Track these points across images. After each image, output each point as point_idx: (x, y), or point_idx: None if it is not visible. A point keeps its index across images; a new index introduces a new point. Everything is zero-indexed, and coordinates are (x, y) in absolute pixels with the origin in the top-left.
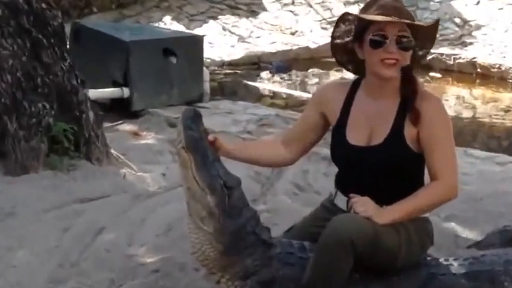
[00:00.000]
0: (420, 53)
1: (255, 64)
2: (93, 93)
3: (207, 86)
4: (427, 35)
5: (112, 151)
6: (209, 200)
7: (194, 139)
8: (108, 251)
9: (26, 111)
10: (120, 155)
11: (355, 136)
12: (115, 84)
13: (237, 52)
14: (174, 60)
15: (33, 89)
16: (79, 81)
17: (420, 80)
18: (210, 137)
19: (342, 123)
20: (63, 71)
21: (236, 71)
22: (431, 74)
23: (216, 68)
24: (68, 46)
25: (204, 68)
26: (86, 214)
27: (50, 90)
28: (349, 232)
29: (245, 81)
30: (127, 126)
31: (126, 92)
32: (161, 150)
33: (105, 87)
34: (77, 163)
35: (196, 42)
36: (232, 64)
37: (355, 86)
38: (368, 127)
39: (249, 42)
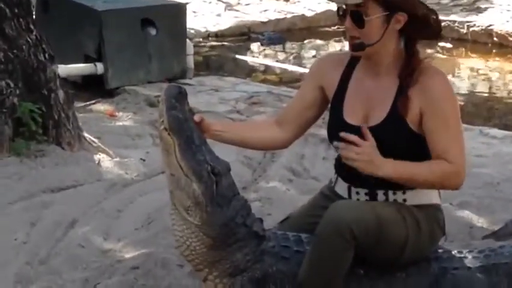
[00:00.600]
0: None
1: (244, 35)
2: (63, 69)
3: (190, 60)
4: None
5: (85, 134)
6: (195, 188)
7: (178, 120)
8: (82, 246)
9: None
10: (94, 139)
11: (353, 115)
12: (87, 59)
13: (224, 22)
14: (153, 31)
15: None
16: (47, 56)
17: (429, 51)
18: (196, 118)
19: (339, 99)
20: (29, 45)
21: (223, 43)
22: (442, 44)
23: (200, 39)
24: (34, 16)
25: (187, 40)
26: (56, 205)
27: (14, 66)
28: (348, 221)
29: (233, 55)
30: (101, 106)
31: (99, 67)
32: (140, 133)
33: (76, 63)
34: (45, 148)
35: (178, 11)
36: (218, 35)
37: (354, 59)
38: (366, 106)
39: (237, 10)
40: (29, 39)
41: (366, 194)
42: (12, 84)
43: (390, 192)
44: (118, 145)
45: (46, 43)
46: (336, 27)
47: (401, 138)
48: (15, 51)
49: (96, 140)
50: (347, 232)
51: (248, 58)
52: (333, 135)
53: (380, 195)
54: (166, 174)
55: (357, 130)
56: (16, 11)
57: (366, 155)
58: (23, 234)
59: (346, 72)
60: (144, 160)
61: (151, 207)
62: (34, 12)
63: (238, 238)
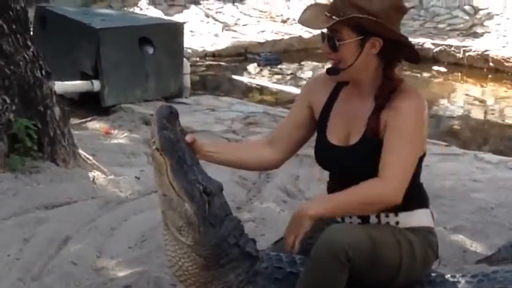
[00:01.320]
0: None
1: (241, 55)
2: (60, 86)
3: (187, 80)
4: (377, 24)
5: (80, 151)
6: (187, 208)
7: (170, 140)
8: (75, 263)
9: None
10: (89, 156)
11: (335, 135)
12: (84, 76)
13: (222, 42)
14: (150, 50)
15: None
16: (44, 72)
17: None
18: (188, 138)
19: (324, 119)
20: (26, 61)
21: (220, 62)
22: (438, 68)
23: (197, 59)
24: (31, 33)
25: (184, 60)
26: (49, 222)
27: (10, 82)
28: (343, 243)
29: (230, 75)
30: (97, 124)
31: (96, 85)
32: (135, 151)
33: (73, 80)
34: (40, 164)
35: (176, 30)
36: (215, 55)
37: (342, 81)
38: (348, 126)
39: (234, 31)
40: (26, 56)
41: (358, 217)
42: (8, 100)
43: (382, 215)
44: (113, 163)
45: (43, 59)
46: None
47: (375, 158)
48: (12, 67)
49: (91, 158)
50: (342, 255)
51: (244, 78)
52: (318, 155)
53: (372, 218)
54: (158, 194)
55: (338, 151)
56: (14, 27)
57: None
58: (16, 250)
59: (333, 93)
60: (138, 178)
61: (145, 225)
62: (31, 29)
63: (231, 258)
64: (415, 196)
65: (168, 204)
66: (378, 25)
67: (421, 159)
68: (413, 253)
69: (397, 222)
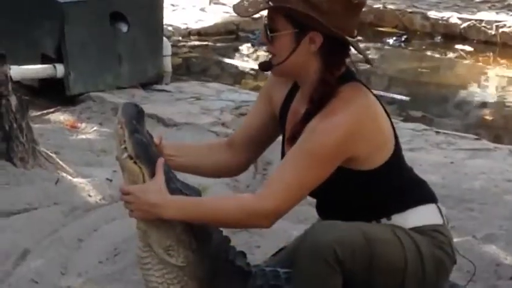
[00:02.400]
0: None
1: (232, 34)
2: (17, 71)
3: (168, 63)
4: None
5: (41, 149)
6: (176, 223)
7: (144, 145)
8: (35, 282)
9: None
10: (51, 154)
11: (287, 144)
12: (45, 59)
13: (209, 18)
14: (124, 28)
15: None
16: None
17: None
18: (156, 140)
19: (282, 119)
20: None
21: (207, 42)
22: (465, 47)
23: (180, 38)
24: None
25: (164, 39)
26: (5, 232)
27: None
28: (329, 241)
29: (219, 57)
30: (61, 116)
31: (59, 70)
32: (106, 149)
33: (32, 64)
34: None
35: (154, 4)
36: (201, 33)
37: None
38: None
39: (224, 4)
40: None
41: None
42: None
43: (373, 222)
44: (80, 162)
45: None
46: None
47: None
48: None
49: (54, 156)
50: (329, 255)
51: (236, 61)
52: None
53: None
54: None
55: None
56: None
57: (134, 204)
58: None
59: (289, 93)
60: (110, 180)
61: (118, 236)
62: None
63: (223, 277)
64: (408, 194)
65: (150, 222)
66: (309, 18)
67: (396, 156)
68: (419, 253)
69: None
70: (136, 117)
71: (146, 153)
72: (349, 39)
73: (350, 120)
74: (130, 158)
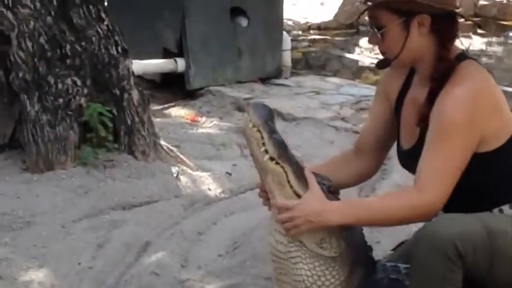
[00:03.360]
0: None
1: (352, 28)
2: (139, 65)
3: (287, 57)
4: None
5: (162, 142)
6: None
7: (284, 145)
8: (156, 274)
9: (51, 88)
10: (172, 148)
11: (406, 136)
12: (167, 54)
13: (328, 11)
14: (244, 22)
15: (60, 60)
16: (120, 49)
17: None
18: None
19: (397, 117)
20: (99, 36)
21: (327, 36)
22: None
23: (299, 32)
24: (106, 3)
25: (284, 33)
26: (126, 225)
27: (81, 61)
28: (451, 235)
29: (339, 51)
30: (181, 110)
31: (180, 64)
32: (226, 142)
33: (153, 58)
34: (116, 157)
35: None
36: (321, 28)
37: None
38: (411, 123)
39: None
40: (99, 30)
41: None
42: (79, 83)
43: (495, 210)
44: (200, 156)
45: (119, 34)
46: None
47: None
48: (83, 43)
49: (174, 149)
50: (450, 249)
51: (356, 56)
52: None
53: None
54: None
55: (405, 155)
56: None
57: (298, 218)
58: (88, 258)
59: (405, 83)
60: (230, 174)
61: (238, 229)
62: None
63: (362, 265)
64: None
65: None
66: (411, 3)
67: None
68: None
69: None
70: (270, 117)
71: (287, 153)
72: (455, 10)
73: (474, 91)
74: (271, 159)
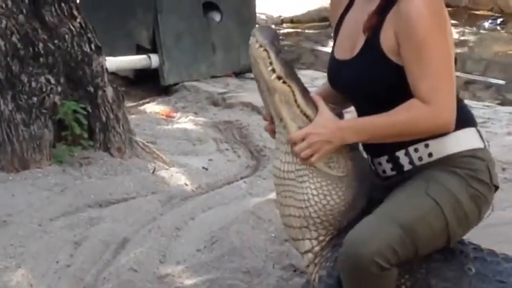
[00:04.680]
0: None
1: (325, 21)
2: (112, 62)
3: None
4: None
5: (137, 139)
6: None
7: (290, 65)
8: (134, 270)
9: (25, 87)
10: (147, 144)
11: (341, 48)
12: (140, 50)
13: (302, 5)
14: (217, 17)
15: (33, 58)
16: (93, 46)
17: None
18: None
19: (335, 34)
20: (72, 34)
21: (300, 30)
22: None
23: (273, 26)
24: (77, 0)
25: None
26: (104, 222)
27: (54, 59)
28: (370, 254)
29: (312, 45)
30: (156, 106)
31: (154, 60)
32: (201, 137)
33: (127, 55)
34: (91, 155)
35: None
36: (294, 21)
37: None
38: (354, 36)
39: None
40: (72, 28)
41: (387, 161)
42: (52, 80)
43: (411, 150)
44: (176, 151)
45: (92, 32)
46: None
47: (377, 71)
48: (56, 41)
49: (150, 145)
50: (373, 267)
51: (330, 48)
52: (328, 74)
53: (402, 157)
54: (280, 140)
55: (338, 65)
56: None
57: (317, 143)
58: (66, 256)
59: (348, 5)
60: (206, 169)
61: (215, 224)
62: None
63: (367, 185)
64: None
65: None
66: None
67: None
68: (457, 202)
69: (430, 154)
70: (276, 38)
71: (293, 72)
72: None
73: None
74: (279, 78)
